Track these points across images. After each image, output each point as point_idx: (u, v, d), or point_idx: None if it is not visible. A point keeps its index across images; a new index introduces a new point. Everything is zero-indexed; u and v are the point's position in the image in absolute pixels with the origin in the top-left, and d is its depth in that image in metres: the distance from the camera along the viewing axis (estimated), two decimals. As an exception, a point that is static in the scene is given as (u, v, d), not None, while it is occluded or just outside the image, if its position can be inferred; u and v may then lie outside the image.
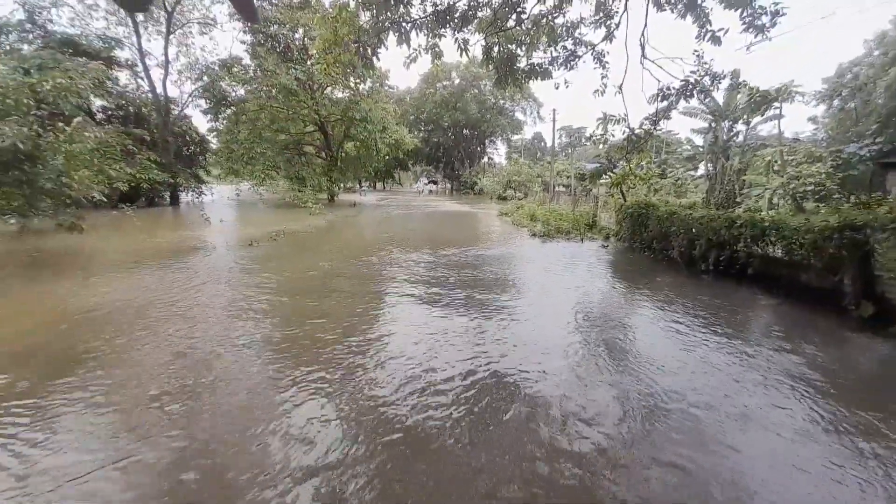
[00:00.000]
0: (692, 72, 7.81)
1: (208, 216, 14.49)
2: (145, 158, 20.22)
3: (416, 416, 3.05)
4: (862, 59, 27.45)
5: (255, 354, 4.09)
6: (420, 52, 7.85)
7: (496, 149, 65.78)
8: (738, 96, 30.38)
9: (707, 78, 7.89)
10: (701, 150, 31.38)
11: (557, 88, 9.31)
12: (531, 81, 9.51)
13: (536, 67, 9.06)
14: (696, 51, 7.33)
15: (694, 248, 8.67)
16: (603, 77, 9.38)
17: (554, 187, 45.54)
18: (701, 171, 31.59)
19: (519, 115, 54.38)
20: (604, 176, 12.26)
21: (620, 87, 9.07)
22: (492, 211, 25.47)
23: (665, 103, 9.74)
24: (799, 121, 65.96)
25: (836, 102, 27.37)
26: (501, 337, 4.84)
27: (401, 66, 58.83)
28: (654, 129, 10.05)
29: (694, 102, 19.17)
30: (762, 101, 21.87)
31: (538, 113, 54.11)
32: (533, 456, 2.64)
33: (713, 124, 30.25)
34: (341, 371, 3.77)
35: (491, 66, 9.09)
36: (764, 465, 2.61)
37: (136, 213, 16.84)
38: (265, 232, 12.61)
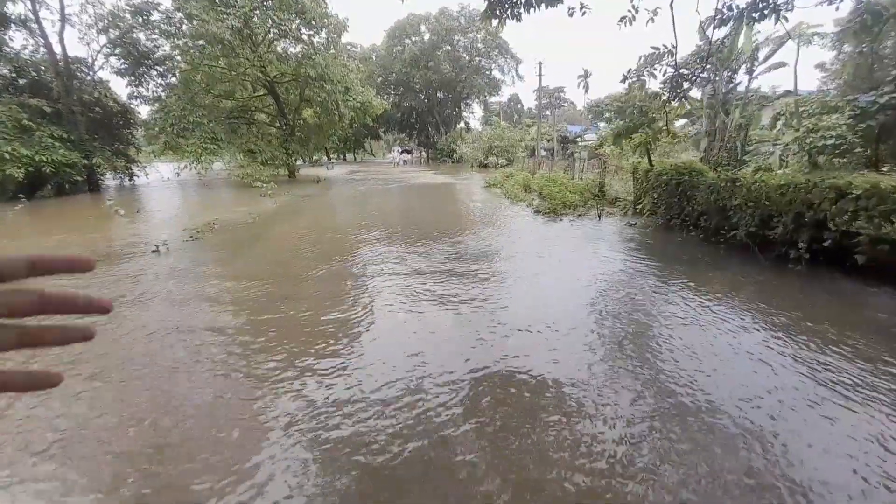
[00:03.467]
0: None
1: (118, 207, 11.12)
2: (47, 135, 16.16)
3: None
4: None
5: None
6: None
7: (472, 113, 61.75)
8: (740, 40, 27.98)
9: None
10: (698, 103, 29.08)
11: (571, 15, 6.53)
12: (533, 9, 6.71)
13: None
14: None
15: (770, 228, 6.36)
16: (633, -5, 6.66)
17: (535, 152, 42.86)
18: (696, 128, 29.40)
19: (496, 74, 50.27)
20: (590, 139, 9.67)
21: (671, 4, 6.36)
22: (477, 182, 22.65)
23: (724, 30, 7.15)
24: (803, 70, 64.28)
25: (846, 47, 25.28)
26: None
27: (361, 22, 53.04)
28: (705, 66, 7.46)
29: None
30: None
31: (516, 71, 50.16)
32: None
33: (712, 74, 27.81)
34: None
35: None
36: None
37: (27, 205, 13.22)
38: (190, 225, 9.51)
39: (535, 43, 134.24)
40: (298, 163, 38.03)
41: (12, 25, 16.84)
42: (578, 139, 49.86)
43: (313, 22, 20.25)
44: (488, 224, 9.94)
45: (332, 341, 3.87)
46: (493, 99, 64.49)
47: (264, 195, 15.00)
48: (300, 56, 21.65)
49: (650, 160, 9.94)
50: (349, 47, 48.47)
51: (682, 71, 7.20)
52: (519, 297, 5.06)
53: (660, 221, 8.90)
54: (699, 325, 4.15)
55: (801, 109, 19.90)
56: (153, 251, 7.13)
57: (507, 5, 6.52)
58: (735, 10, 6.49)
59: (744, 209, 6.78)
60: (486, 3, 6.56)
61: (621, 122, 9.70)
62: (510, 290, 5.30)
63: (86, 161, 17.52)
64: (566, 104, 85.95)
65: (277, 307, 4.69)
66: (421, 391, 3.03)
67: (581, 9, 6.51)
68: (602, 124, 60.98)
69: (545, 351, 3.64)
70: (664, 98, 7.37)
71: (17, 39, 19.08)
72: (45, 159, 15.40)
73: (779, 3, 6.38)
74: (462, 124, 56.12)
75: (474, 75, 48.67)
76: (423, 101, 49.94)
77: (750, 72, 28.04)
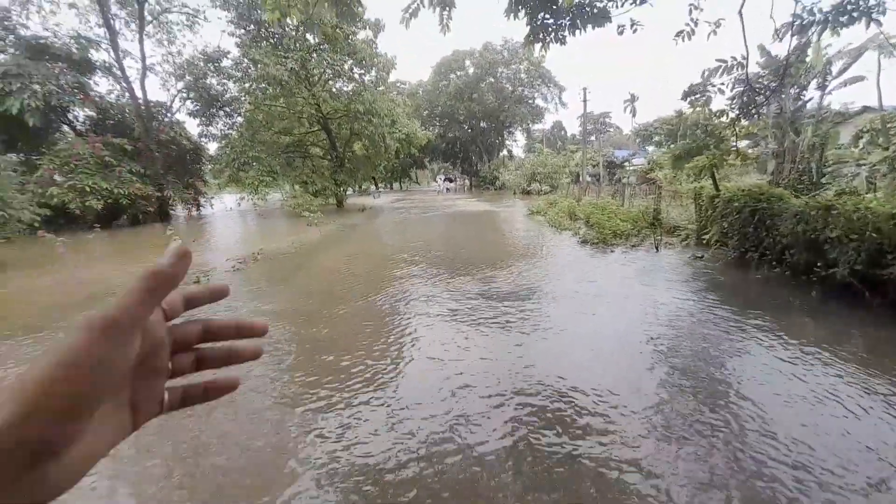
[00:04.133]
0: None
1: (177, 237, 11.85)
2: (126, 171, 18.04)
3: None
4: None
5: None
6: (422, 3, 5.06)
7: (515, 141, 61.93)
8: (809, 53, 25.68)
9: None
10: (761, 123, 26.76)
11: (622, 34, 6.07)
12: (578, 31, 6.36)
13: (587, 7, 6.02)
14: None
15: (881, 266, 5.21)
16: (693, 9, 6.13)
17: (580, 178, 41.56)
18: (758, 149, 26.90)
19: (539, 102, 50.35)
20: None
21: (741, 11, 5.73)
22: (519, 209, 22.10)
23: (805, 38, 6.38)
24: (888, 84, 58.44)
25: (941, 53, 22.36)
26: None
27: (410, 61, 55.96)
28: (785, 77, 6.66)
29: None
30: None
31: (559, 98, 49.92)
32: None
33: (778, 91, 25.54)
34: None
35: (522, 12, 6.14)
36: None
37: (99, 233, 14.52)
38: (237, 255, 9.83)
39: (580, 66, 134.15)
40: (348, 192, 39.97)
41: (98, 72, 19.37)
42: (626, 164, 48.02)
43: (364, 62, 21.46)
44: (531, 255, 9.31)
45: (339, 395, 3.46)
46: (536, 126, 64.47)
47: (311, 224, 15.50)
48: (350, 93, 22.90)
49: (716, 185, 8.90)
50: (398, 84, 51.25)
51: (754, 85, 6.39)
52: (567, 351, 4.39)
53: (732, 255, 7.78)
54: (805, 400, 3.25)
55: (888, 126, 17.50)
56: (194, 282, 7.30)
57: (550, 29, 6.21)
58: (818, 14, 5.70)
59: (844, 242, 5.67)
60: (529, 28, 6.30)
61: (683, 143, 8.80)
62: (556, 341, 4.64)
63: (158, 193, 19.27)
64: (612, 129, 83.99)
65: (304, 348, 4.40)
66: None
67: (632, 26, 6.03)
68: (651, 148, 58.58)
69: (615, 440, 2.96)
70: (733, 115, 6.54)
71: (103, 84, 21.75)
72: (122, 192, 17.10)
73: (870, 4, 5.53)
74: (505, 152, 56.33)
75: (517, 105, 49.05)
76: (467, 131, 50.93)
77: (822, 87, 25.50)
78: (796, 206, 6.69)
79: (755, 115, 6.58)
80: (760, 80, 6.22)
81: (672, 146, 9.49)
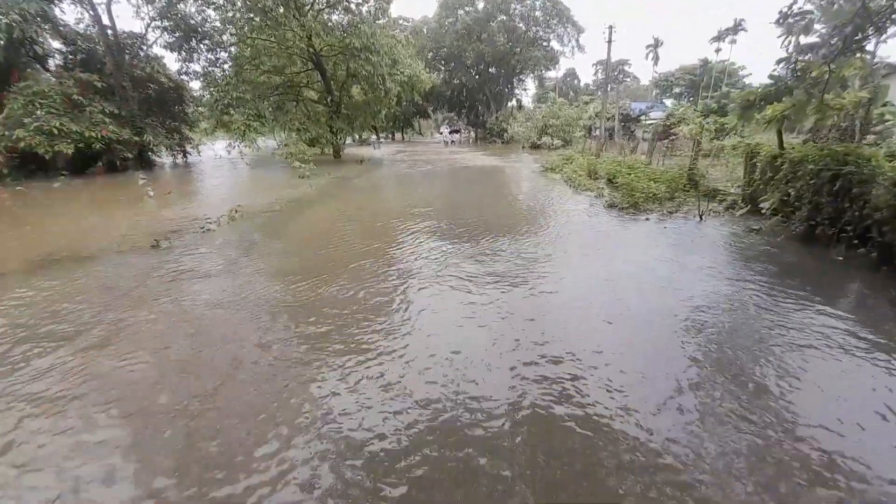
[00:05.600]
0: None
1: (150, 189, 10.52)
2: (97, 111, 16.20)
3: None
4: None
5: None
6: None
7: (525, 89, 57.73)
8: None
9: None
10: (782, 79, 23.91)
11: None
12: None
13: None
14: None
15: None
16: None
17: (592, 131, 38.83)
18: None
19: (555, 45, 45.92)
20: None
21: None
22: (530, 164, 20.34)
23: None
24: (903, 38, 53.21)
25: None
26: None
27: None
28: None
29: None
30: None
31: (577, 41, 45.41)
32: None
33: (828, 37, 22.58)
34: None
35: None
36: None
37: (66, 182, 13.13)
38: (212, 213, 8.56)
39: (599, 7, 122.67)
40: (347, 142, 37.43)
41: None
42: (642, 117, 44.80)
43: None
44: (548, 223, 8.02)
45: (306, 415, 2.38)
46: (549, 74, 59.88)
47: (302, 177, 14.03)
48: (346, 25, 20.22)
49: (781, 141, 7.38)
50: (400, 21, 46.58)
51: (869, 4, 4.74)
52: (607, 359, 3.27)
53: (796, 228, 6.48)
54: None
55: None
56: (152, 246, 6.11)
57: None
58: None
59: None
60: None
61: (759, 88, 7.02)
62: (592, 360, 3.51)
63: (137, 138, 17.53)
64: (629, 79, 78.45)
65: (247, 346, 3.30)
66: None
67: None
68: (669, 101, 54.63)
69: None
70: (836, 50, 4.96)
71: (72, 13, 19.16)
72: (94, 135, 15.42)
73: None
74: (514, 102, 52.60)
75: (530, 47, 44.81)
76: (474, 77, 47.12)
77: (878, 31, 22.54)
78: (893, 173, 5.30)
79: (860, 53, 4.96)
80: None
81: (755, 89, 7.71)
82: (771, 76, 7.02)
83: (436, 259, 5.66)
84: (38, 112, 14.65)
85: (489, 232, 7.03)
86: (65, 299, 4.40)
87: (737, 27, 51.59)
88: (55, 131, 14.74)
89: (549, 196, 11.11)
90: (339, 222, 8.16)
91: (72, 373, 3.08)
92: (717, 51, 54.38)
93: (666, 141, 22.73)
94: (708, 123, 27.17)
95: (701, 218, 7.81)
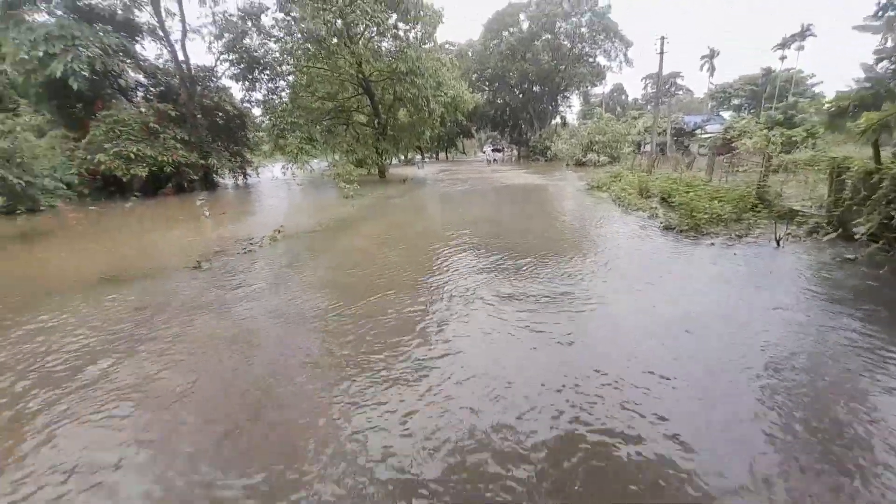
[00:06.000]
0: None
1: (207, 209, 11.25)
2: (170, 137, 17.85)
3: None
4: None
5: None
6: None
7: (570, 106, 56.74)
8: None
9: None
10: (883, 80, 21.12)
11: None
12: None
13: None
14: None
15: None
16: None
17: (642, 147, 36.92)
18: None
19: (601, 60, 44.81)
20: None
21: None
22: (574, 182, 19.59)
23: None
24: None
25: None
26: None
27: (460, 15, 51.88)
28: None
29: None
30: None
31: (625, 55, 43.98)
32: None
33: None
34: None
35: None
36: None
37: (139, 201, 14.38)
38: (258, 232, 8.88)
39: (648, 14, 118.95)
40: (393, 161, 38.59)
41: (144, 35, 18.95)
42: (698, 131, 42.06)
43: (408, 13, 19.30)
44: (596, 249, 7.41)
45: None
46: (595, 90, 58.51)
47: (346, 197, 14.41)
48: (394, 51, 21.02)
49: (878, 154, 6.33)
50: (446, 45, 47.93)
51: None
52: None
53: (903, 257, 5.42)
54: None
55: None
56: (194, 267, 6.33)
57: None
58: None
59: None
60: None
61: (851, 92, 6.01)
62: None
63: (203, 161, 19.07)
64: (681, 91, 74.71)
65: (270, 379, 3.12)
66: None
67: None
68: (727, 114, 51.02)
69: None
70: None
71: (151, 49, 21.46)
72: (166, 159, 16.95)
73: None
74: (557, 119, 51.77)
75: (575, 64, 44.13)
76: (518, 96, 47.14)
77: None
78: None
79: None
80: None
81: (806, 102, 6.79)
82: (867, 78, 5.98)
83: (462, 296, 5.29)
84: (119, 139, 16.43)
85: (526, 258, 6.58)
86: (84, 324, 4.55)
87: (804, 32, 47.62)
88: (132, 156, 16.40)
89: (595, 216, 10.44)
90: (375, 245, 8.10)
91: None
92: (783, 58, 50.18)
93: (727, 155, 21.02)
94: (774, 136, 24.85)
95: (778, 243, 6.83)
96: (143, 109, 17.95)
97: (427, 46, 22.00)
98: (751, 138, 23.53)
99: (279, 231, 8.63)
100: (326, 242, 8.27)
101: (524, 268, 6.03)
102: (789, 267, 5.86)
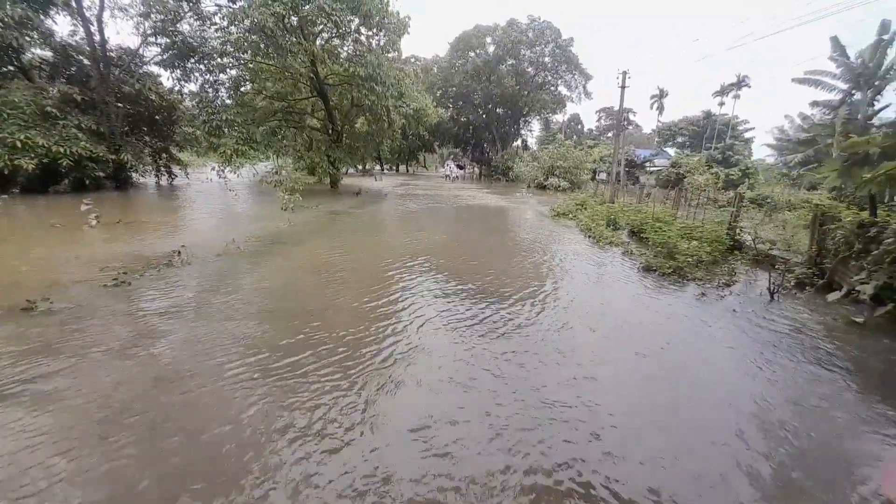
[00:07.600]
0: None
1: (95, 216, 8.82)
2: (72, 126, 14.84)
3: None
4: None
5: None
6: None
7: (531, 130, 58.18)
8: (889, 54, 21.91)
9: None
10: (820, 128, 23.14)
11: None
12: None
13: None
14: None
15: None
16: None
17: (597, 174, 38.06)
18: (799, 158, 23.15)
19: (562, 90, 46.32)
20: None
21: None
22: (537, 207, 18.89)
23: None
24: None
25: None
26: None
27: (425, 31, 51.59)
28: None
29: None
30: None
31: (584, 88, 45.78)
32: None
33: (849, 94, 21.98)
34: None
35: None
36: None
37: (8, 201, 11.48)
38: (157, 250, 6.79)
39: (604, 56, 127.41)
40: (349, 171, 36.37)
41: (55, 7, 15.90)
42: (647, 164, 44.58)
43: (370, 17, 17.87)
44: (573, 295, 6.24)
45: None
46: (556, 117, 60.49)
47: (285, 209, 12.40)
48: (352, 54, 19.43)
49: (874, 206, 5.76)
50: (412, 59, 47.14)
51: None
52: None
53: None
54: None
55: None
56: (23, 308, 4.26)
57: None
58: None
59: None
60: None
61: (878, 136, 5.31)
62: None
63: (113, 156, 16.10)
64: (631, 126, 79.84)
65: None
66: None
67: None
68: (672, 150, 54.78)
69: None
70: None
71: (65, 25, 18.26)
72: (62, 151, 13.94)
73: None
74: (519, 142, 52.55)
75: (538, 91, 45.19)
76: (482, 116, 47.26)
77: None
78: None
79: None
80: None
81: (831, 142, 6.10)
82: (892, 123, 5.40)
83: (409, 359, 3.81)
84: (4, 122, 13.28)
85: (502, 295, 5.22)
86: None
87: (740, 83, 52.56)
88: (18, 144, 13.29)
89: (567, 251, 9.40)
90: (302, 277, 6.36)
91: None
92: (721, 104, 55.01)
93: (676, 189, 21.58)
94: (714, 174, 26.41)
95: (772, 296, 6.02)
96: (40, 91, 14.83)
97: (391, 55, 20.68)
98: (702, 174, 24.52)
99: (178, 253, 6.58)
100: (239, 273, 6.35)
101: (489, 322, 4.65)
102: (792, 329, 4.95)
